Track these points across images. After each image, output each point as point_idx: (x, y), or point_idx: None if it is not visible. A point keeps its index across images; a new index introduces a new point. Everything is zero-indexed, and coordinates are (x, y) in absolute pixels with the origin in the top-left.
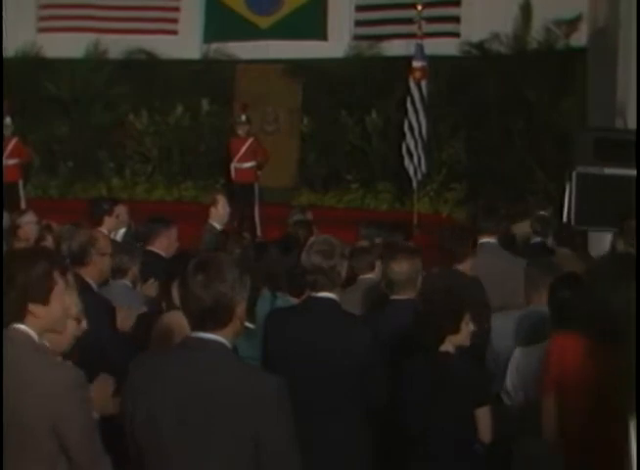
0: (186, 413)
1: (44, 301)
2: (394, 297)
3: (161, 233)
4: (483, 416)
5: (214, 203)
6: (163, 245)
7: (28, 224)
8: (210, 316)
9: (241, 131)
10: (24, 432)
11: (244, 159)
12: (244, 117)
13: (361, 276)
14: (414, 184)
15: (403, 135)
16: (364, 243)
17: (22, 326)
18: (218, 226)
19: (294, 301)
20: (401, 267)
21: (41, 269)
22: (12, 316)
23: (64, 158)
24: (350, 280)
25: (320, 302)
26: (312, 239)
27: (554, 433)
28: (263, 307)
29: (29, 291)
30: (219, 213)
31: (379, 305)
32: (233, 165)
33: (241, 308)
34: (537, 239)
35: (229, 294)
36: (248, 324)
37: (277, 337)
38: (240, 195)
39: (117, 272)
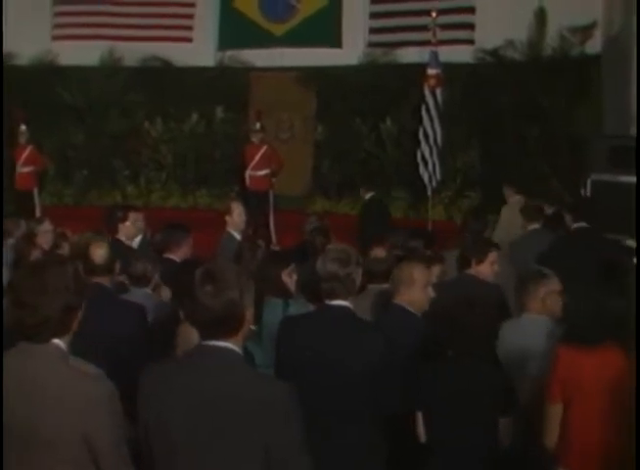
0: (196, 420)
1: None
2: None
3: (184, 242)
4: (506, 425)
5: (229, 211)
6: (185, 253)
7: (46, 233)
8: (222, 325)
9: (255, 139)
10: (54, 443)
11: (258, 166)
12: (258, 125)
13: (373, 285)
14: (429, 192)
15: (418, 143)
16: (382, 251)
17: (55, 340)
18: (236, 234)
19: (305, 308)
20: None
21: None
22: (53, 332)
23: (79, 165)
24: (361, 288)
25: (334, 309)
26: (328, 246)
27: (555, 439)
28: (275, 315)
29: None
30: (235, 222)
31: (385, 309)
32: (247, 173)
33: (250, 313)
34: None
35: (238, 301)
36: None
37: (290, 344)
38: (254, 202)
39: (141, 280)
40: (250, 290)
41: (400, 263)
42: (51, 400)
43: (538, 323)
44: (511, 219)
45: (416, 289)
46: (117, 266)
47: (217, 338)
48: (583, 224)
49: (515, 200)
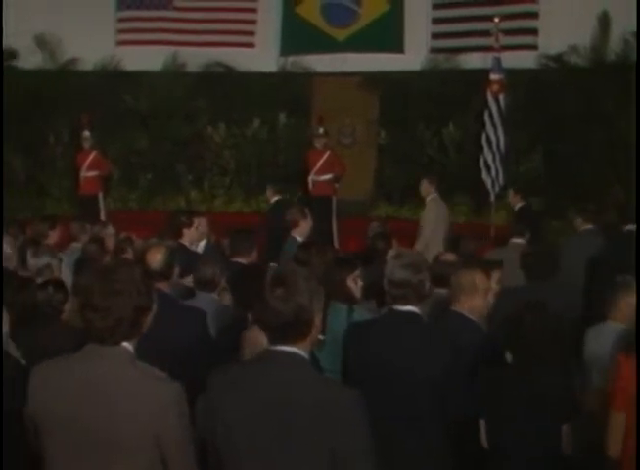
0: (263, 424)
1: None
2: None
3: (253, 246)
4: (568, 433)
5: (305, 217)
6: (253, 257)
7: (109, 236)
8: (291, 329)
9: (318, 144)
10: (124, 444)
11: (321, 171)
12: (321, 130)
13: (440, 290)
14: (492, 197)
15: (481, 148)
16: (450, 256)
17: (125, 343)
18: (300, 239)
19: (369, 313)
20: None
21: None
22: (125, 334)
23: (143, 170)
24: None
25: (404, 315)
26: (396, 252)
27: (619, 448)
28: (339, 320)
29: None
30: (304, 228)
31: (443, 315)
32: (310, 178)
33: (318, 319)
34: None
35: (308, 306)
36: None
37: (359, 350)
38: (317, 208)
39: (208, 285)
40: (319, 296)
41: (460, 270)
42: (121, 403)
43: (614, 332)
44: (439, 214)
45: (477, 296)
46: (176, 272)
47: (285, 342)
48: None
49: (434, 196)
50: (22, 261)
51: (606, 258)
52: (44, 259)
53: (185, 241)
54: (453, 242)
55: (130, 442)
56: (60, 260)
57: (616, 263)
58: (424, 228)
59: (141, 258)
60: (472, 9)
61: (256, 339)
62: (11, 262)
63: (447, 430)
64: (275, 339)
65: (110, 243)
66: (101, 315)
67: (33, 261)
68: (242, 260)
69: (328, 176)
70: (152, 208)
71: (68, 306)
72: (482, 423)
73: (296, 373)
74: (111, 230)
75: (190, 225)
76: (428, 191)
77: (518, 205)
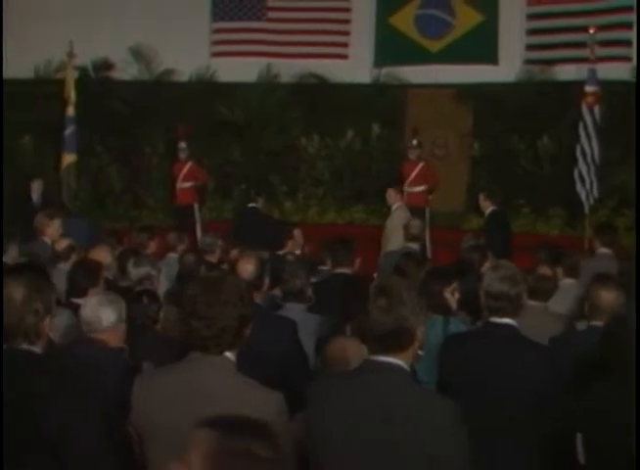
0: (363, 434)
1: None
2: (594, 323)
3: (357, 255)
4: None
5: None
6: (357, 267)
7: (219, 248)
8: (392, 340)
9: (412, 155)
10: None
11: (415, 183)
12: (414, 142)
13: (535, 302)
14: (586, 209)
15: (575, 160)
16: (545, 269)
17: (227, 353)
18: (415, 247)
19: (463, 325)
20: (610, 295)
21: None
22: (229, 344)
23: (237, 181)
24: None
25: (502, 328)
26: (492, 264)
27: None
28: (435, 331)
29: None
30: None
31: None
32: (404, 189)
33: (420, 331)
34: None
35: (410, 317)
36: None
37: (456, 362)
38: None
39: (298, 295)
40: (421, 308)
41: (600, 287)
42: (225, 411)
43: None
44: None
45: (609, 311)
46: (266, 282)
47: (386, 353)
48: None
49: (400, 205)
50: (122, 271)
51: None
52: (145, 269)
53: (284, 251)
54: (549, 255)
55: None
56: (159, 270)
57: None
58: (391, 235)
59: (234, 269)
60: (566, 20)
61: (358, 350)
62: (110, 272)
63: (543, 443)
64: (376, 349)
65: (217, 255)
66: (206, 324)
67: (135, 271)
68: (345, 271)
69: (421, 188)
70: None
71: (161, 316)
72: (579, 437)
73: (395, 384)
74: (220, 243)
75: (292, 237)
76: (394, 200)
77: (489, 210)
